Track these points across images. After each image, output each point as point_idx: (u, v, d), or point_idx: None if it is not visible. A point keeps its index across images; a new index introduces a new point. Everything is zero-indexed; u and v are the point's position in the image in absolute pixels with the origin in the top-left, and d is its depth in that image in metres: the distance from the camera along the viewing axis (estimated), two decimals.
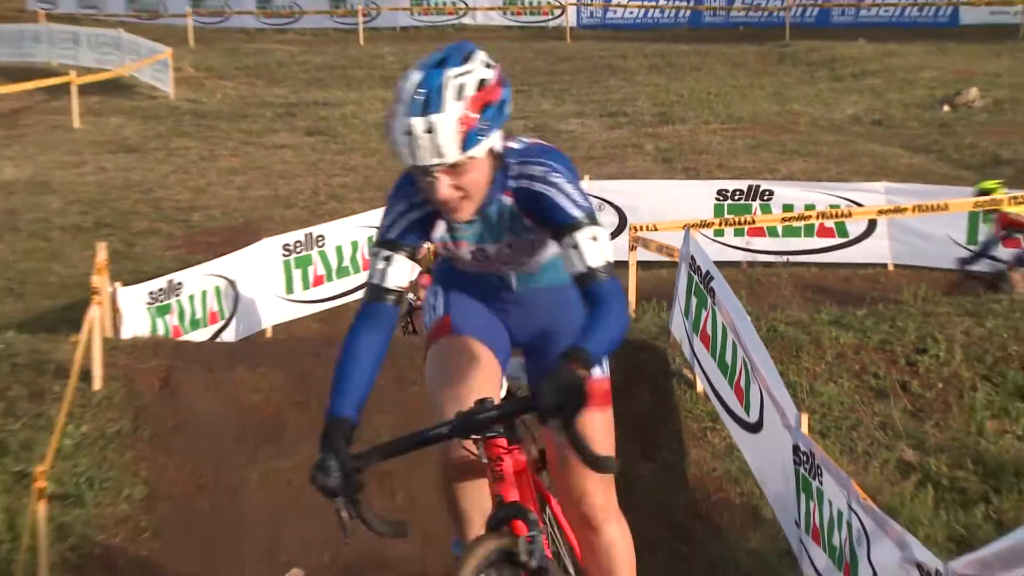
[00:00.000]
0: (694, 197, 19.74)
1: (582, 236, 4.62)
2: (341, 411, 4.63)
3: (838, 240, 19.39)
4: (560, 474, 5.04)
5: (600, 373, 4.87)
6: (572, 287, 4.74)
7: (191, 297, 16.88)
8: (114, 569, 11.00)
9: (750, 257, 19.25)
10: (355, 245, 18.68)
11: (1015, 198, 17.57)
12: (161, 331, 16.17)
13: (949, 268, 18.50)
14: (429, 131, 4.41)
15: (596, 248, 4.63)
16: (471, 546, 4.57)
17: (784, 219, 18.60)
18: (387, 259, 4.82)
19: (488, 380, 5.04)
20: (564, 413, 4.14)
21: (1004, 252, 17.64)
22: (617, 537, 5.26)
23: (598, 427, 4.86)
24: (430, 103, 4.45)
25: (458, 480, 5.06)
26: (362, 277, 18.65)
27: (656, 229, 16.43)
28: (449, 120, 4.43)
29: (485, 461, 4.63)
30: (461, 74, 4.59)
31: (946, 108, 30.66)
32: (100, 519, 11.47)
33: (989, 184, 17.55)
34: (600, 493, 5.03)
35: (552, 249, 4.97)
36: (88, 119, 32.40)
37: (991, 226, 17.30)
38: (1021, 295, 16.05)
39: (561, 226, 4.66)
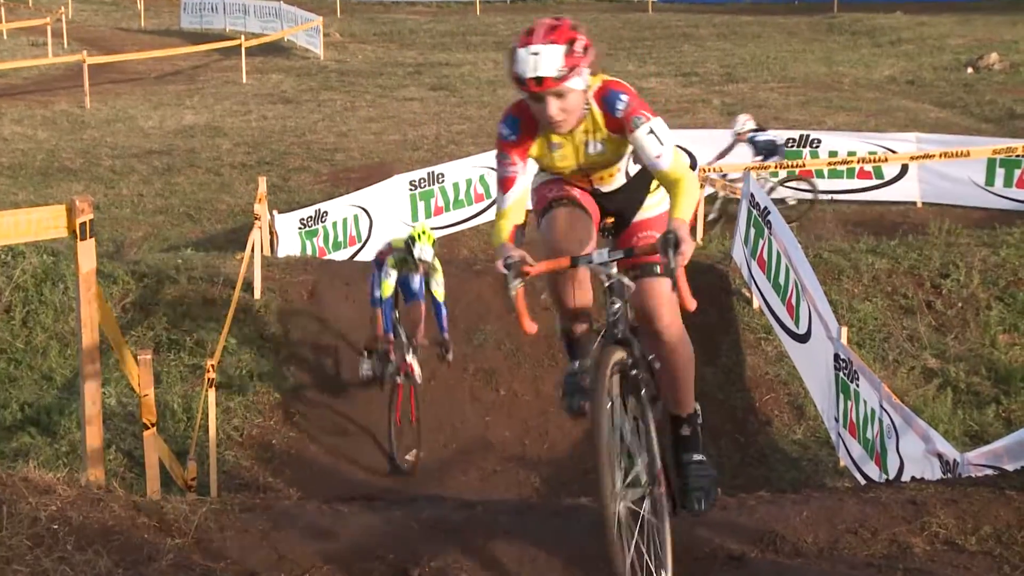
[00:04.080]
0: None
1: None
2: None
3: (875, 181, 19.02)
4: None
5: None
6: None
7: (334, 223, 16.88)
8: (269, 445, 11.10)
9: (801, 195, 18.93)
10: (469, 182, 18.57)
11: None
12: (309, 251, 16.19)
13: (970, 205, 18.13)
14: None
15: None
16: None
17: (830, 163, 18.30)
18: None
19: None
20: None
21: None
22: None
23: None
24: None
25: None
26: (474, 209, 18.59)
27: (722, 171, 16.18)
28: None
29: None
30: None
31: (969, 70, 29.94)
32: (258, 404, 11.58)
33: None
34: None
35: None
36: (253, 76, 32.50)
37: None
38: None
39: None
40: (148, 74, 33.61)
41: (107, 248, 16.56)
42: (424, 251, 11.10)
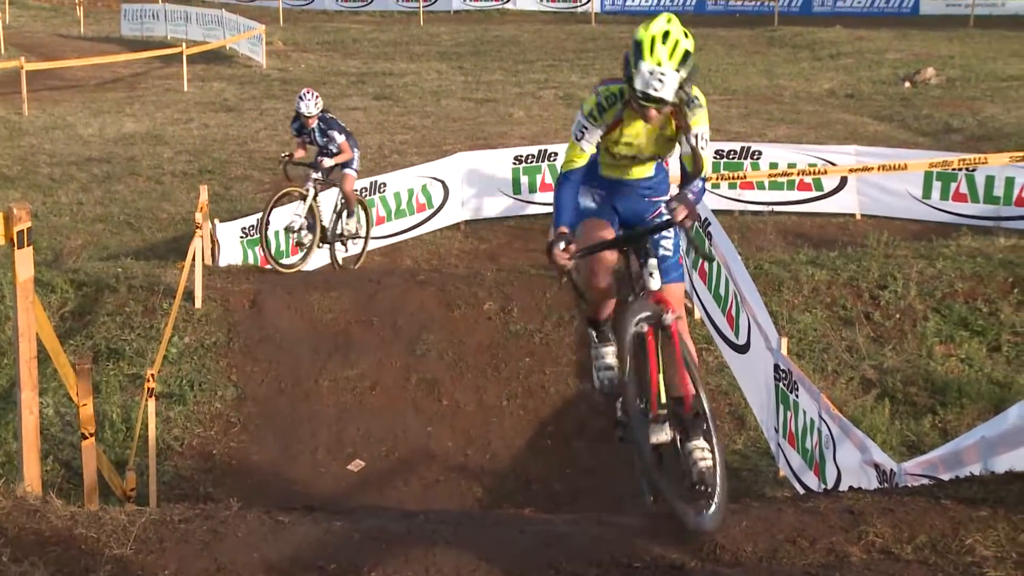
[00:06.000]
0: None
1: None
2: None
3: (815, 193, 19.18)
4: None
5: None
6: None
7: (276, 233, 16.80)
8: (210, 456, 11.02)
9: (741, 207, 19.06)
10: (411, 192, 18.50)
11: (964, 160, 17.37)
12: (251, 260, 16.10)
13: (908, 218, 18.33)
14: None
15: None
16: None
17: (770, 175, 18.45)
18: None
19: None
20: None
21: None
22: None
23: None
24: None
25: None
26: (416, 219, 18.52)
27: None
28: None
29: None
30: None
31: (907, 84, 30.31)
32: (198, 415, 11.51)
33: None
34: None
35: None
36: (195, 83, 32.29)
37: None
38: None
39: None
40: (88, 81, 33.30)
41: (45, 256, 16.37)
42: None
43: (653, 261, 5.52)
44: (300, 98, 14.94)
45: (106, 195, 20.70)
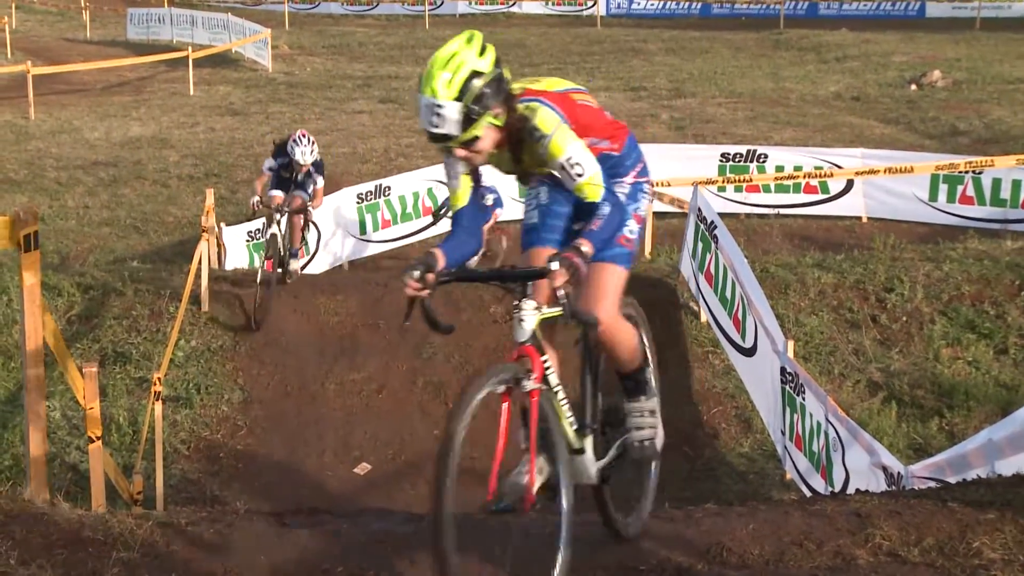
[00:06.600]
0: (701, 159, 19.53)
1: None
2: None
3: (821, 196, 19.20)
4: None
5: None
6: None
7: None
8: (216, 459, 11.02)
9: (747, 210, 19.07)
10: (416, 195, 18.53)
11: (970, 163, 17.35)
12: (257, 264, 16.10)
13: (914, 221, 18.32)
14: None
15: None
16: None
17: (776, 178, 18.45)
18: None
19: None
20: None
21: None
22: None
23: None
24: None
25: None
26: (422, 222, 18.54)
27: (669, 185, 16.26)
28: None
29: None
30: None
31: (913, 87, 30.34)
32: (205, 418, 11.51)
33: None
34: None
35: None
36: (201, 87, 32.35)
37: None
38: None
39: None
40: (94, 85, 33.36)
41: (52, 260, 16.40)
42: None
43: (527, 304, 4.50)
44: (295, 143, 13.67)
45: (112, 199, 20.74)
